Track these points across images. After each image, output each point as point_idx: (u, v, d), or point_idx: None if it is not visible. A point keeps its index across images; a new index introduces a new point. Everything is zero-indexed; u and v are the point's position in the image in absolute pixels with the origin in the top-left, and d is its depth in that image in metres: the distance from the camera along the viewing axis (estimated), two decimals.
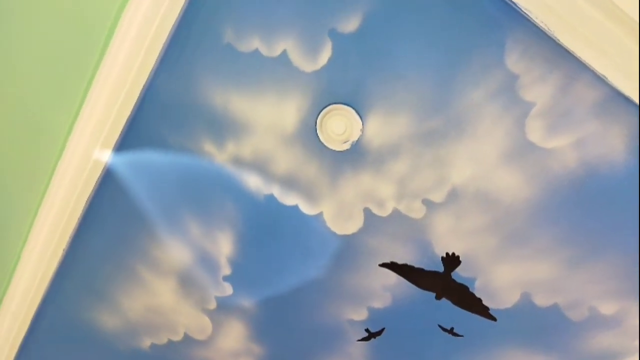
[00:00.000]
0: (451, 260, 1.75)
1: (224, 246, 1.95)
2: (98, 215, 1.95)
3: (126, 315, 2.35)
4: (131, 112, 1.66)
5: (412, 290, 1.87)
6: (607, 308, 1.76)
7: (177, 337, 2.31)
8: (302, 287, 1.98)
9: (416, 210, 1.67)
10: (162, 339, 2.34)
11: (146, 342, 2.38)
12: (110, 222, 1.98)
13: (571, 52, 1.31)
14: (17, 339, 2.46)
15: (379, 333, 2.00)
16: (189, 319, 2.24)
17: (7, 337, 2.48)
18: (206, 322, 2.22)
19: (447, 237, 1.71)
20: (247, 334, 2.17)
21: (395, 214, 1.69)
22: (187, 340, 2.29)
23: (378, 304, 1.95)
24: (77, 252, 2.09)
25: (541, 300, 1.79)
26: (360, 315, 2.01)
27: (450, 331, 1.96)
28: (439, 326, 1.96)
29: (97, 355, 2.50)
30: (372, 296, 1.94)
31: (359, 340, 2.10)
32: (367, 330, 2.04)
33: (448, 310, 1.90)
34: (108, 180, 1.84)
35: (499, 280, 1.78)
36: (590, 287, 1.73)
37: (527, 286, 1.77)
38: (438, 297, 1.85)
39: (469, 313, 1.87)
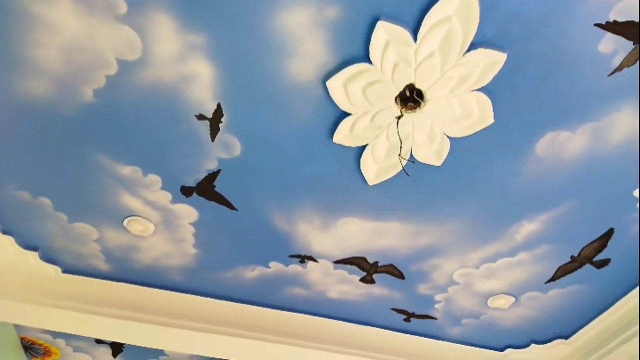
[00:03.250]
0: None
1: None
2: None
3: (50, 71, 2.10)
4: None
5: None
6: None
7: (113, 70, 2.09)
8: None
9: None
10: (100, 80, 2.13)
11: (87, 92, 2.18)
12: None
13: None
14: None
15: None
16: (110, 41, 1.98)
17: None
18: (129, 33, 1.96)
19: None
20: (179, 26, 1.94)
21: None
22: (123, 66, 2.08)
23: None
24: None
25: None
26: None
27: None
28: None
29: (44, 129, 2.33)
30: None
31: None
32: None
33: None
34: None
35: None
36: None
37: None
38: None
39: None
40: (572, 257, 2.90)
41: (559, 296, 3.19)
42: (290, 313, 3.47)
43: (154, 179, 2.60)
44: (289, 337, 3.49)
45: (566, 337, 3.55)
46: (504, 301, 3.24)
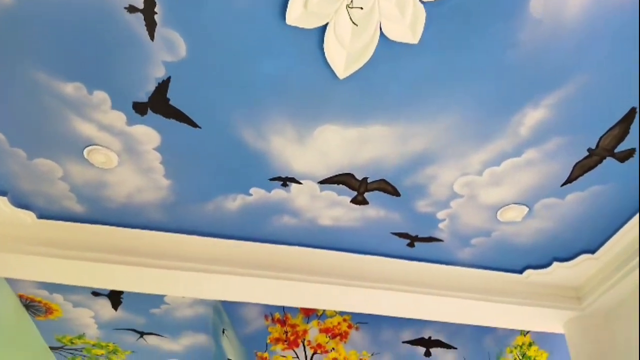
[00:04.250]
0: None
1: None
2: None
3: None
4: None
5: None
6: None
7: None
8: None
9: None
10: None
11: None
12: None
13: None
14: None
15: None
16: None
17: None
18: None
19: None
20: None
21: None
22: None
23: None
24: None
25: None
26: None
27: None
28: None
29: None
30: None
31: None
32: None
33: None
34: None
35: None
36: None
37: None
38: None
39: None
40: (589, 150, 2.50)
41: (579, 201, 2.80)
42: (282, 246, 3.22)
43: (101, 96, 2.33)
44: (283, 272, 3.25)
45: (592, 251, 3.17)
46: (516, 213, 2.88)
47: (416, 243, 3.20)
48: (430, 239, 3.16)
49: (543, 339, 3.97)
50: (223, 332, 4.05)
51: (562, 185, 2.70)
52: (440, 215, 2.96)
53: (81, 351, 4.71)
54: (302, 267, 3.28)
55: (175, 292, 3.39)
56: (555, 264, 3.25)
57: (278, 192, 2.86)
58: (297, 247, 3.23)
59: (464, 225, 3.02)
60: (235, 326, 3.78)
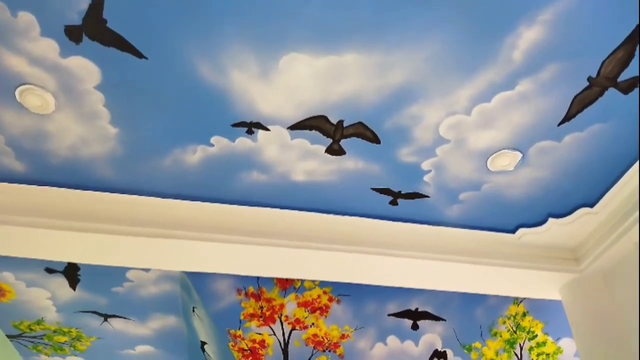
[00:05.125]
0: None
1: None
2: None
3: None
4: None
5: None
6: None
7: None
8: None
9: None
10: None
11: None
12: None
13: None
14: None
15: None
16: None
17: None
18: None
19: None
20: None
21: None
22: None
23: None
24: None
25: None
26: None
27: None
28: None
29: None
30: None
31: None
32: None
33: None
34: None
35: None
36: None
37: None
38: None
39: None
40: (589, 79, 2.22)
41: (578, 144, 2.53)
42: (252, 208, 2.90)
43: (27, 18, 1.99)
44: (254, 236, 2.92)
45: (591, 205, 2.91)
46: (509, 159, 2.60)
47: (399, 200, 2.91)
48: (415, 195, 2.87)
49: (538, 308, 3.71)
50: (193, 310, 3.72)
51: (560, 124, 2.42)
52: (425, 165, 2.66)
53: (42, 338, 4.33)
54: (275, 231, 2.96)
55: (135, 262, 3.05)
56: (550, 220, 2.99)
57: (243, 142, 2.54)
58: (269, 209, 2.92)
59: (451, 177, 2.74)
60: (205, 303, 3.45)
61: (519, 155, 2.57)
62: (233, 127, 2.46)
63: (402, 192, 2.85)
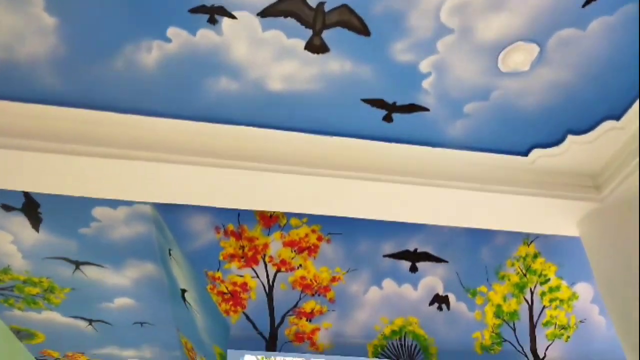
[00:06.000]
0: None
1: None
2: None
3: None
4: None
5: None
6: None
7: None
8: None
9: None
10: None
11: None
12: None
13: None
14: None
15: None
16: None
17: None
18: None
19: None
20: None
21: None
22: None
23: None
24: None
25: None
26: None
27: None
28: None
29: None
30: None
31: None
32: None
33: None
34: None
35: None
36: None
37: None
38: None
39: None
40: None
41: (605, 31, 2.10)
42: (224, 126, 2.51)
43: None
44: (227, 159, 2.54)
45: (617, 117, 2.50)
46: (524, 55, 2.18)
47: (395, 115, 2.51)
48: (413, 108, 2.47)
49: (551, 249, 3.34)
50: (170, 253, 3.38)
51: (585, 3, 1.99)
52: (424, 66, 2.25)
53: (12, 290, 4.03)
54: (251, 154, 2.58)
55: (94, 190, 2.68)
56: (569, 138, 2.58)
57: (206, 35, 2.14)
58: (243, 127, 2.53)
59: (455, 83, 2.33)
60: (180, 242, 3.11)
61: (536, 49, 2.15)
62: (191, 14, 2.05)
63: (398, 104, 2.45)
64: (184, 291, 3.64)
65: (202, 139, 2.55)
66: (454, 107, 2.46)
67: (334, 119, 2.52)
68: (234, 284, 3.19)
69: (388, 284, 3.30)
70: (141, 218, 3.26)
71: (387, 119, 2.52)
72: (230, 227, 3.13)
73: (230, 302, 3.20)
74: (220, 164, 2.55)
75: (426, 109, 2.47)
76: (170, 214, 3.06)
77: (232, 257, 3.15)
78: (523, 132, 2.60)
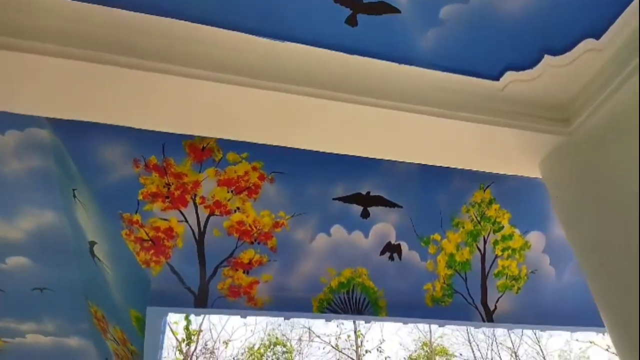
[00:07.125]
0: None
1: None
2: None
3: None
4: None
5: None
6: None
7: None
8: None
9: None
10: None
11: None
12: None
13: None
14: None
15: None
16: None
17: None
18: None
19: None
20: None
21: None
22: None
23: None
24: None
25: None
26: None
27: None
28: None
29: None
30: None
31: None
32: None
33: None
34: None
35: None
36: None
37: None
38: None
39: None
40: None
41: None
42: (139, 15, 1.97)
43: None
44: (129, 57, 2.01)
45: (597, 36, 2.28)
46: None
47: (360, 17, 2.11)
48: (383, 8, 2.08)
49: (505, 195, 3.16)
50: (74, 195, 2.76)
51: None
52: None
53: None
54: (178, 57, 2.06)
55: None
56: (546, 59, 2.34)
57: None
58: (168, 19, 2.00)
59: None
60: (88, 178, 2.51)
61: None
62: None
63: (366, 0, 2.05)
64: (92, 244, 3.03)
65: (126, 36, 1.99)
66: (429, 10, 2.11)
67: (287, 16, 2.07)
68: (157, 229, 2.66)
69: (337, 230, 2.94)
70: (37, 147, 2.61)
71: (351, 20, 2.11)
72: (153, 159, 2.58)
73: (152, 251, 2.67)
74: (135, 65, 2.00)
75: (397, 10, 2.09)
76: (74, 141, 2.45)
77: (154, 196, 2.60)
78: (499, 49, 2.32)
